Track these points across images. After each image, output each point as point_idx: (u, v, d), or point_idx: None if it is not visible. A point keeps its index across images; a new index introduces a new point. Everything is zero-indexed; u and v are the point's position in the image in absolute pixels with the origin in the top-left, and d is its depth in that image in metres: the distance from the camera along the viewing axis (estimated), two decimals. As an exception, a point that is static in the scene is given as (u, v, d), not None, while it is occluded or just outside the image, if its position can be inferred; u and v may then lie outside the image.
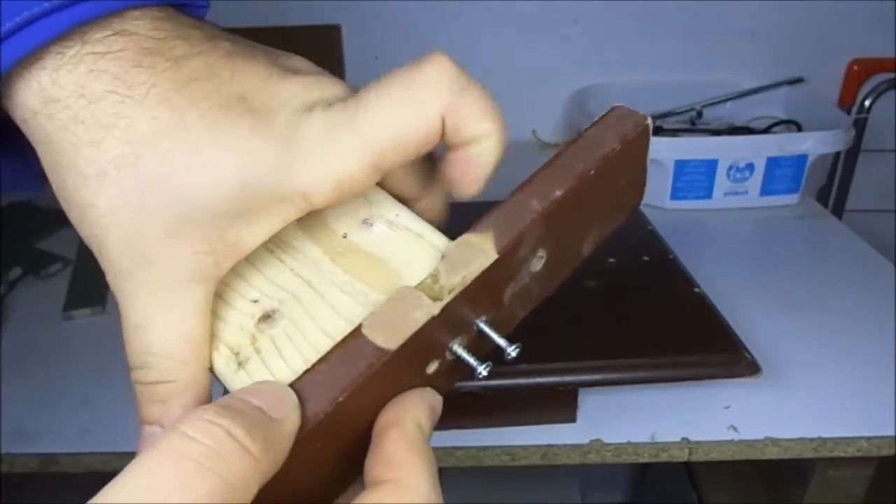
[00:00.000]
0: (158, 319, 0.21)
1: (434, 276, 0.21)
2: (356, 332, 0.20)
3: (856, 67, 1.12)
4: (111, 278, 0.21)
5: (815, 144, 0.92)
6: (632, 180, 0.27)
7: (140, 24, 0.21)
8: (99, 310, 0.74)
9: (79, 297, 0.76)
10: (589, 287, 0.65)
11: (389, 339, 0.20)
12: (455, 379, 0.24)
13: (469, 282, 0.21)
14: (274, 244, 0.24)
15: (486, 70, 1.26)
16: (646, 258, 0.71)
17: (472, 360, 0.22)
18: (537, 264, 0.24)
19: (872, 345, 0.67)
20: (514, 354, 0.23)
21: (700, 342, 0.58)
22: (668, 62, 1.11)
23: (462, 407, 0.56)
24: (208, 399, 0.23)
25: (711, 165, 0.93)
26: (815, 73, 1.11)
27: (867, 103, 1.11)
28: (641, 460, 0.57)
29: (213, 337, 0.23)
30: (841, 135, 0.92)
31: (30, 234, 0.90)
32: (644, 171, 0.28)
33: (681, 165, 0.92)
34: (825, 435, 0.56)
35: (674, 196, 0.94)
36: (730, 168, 0.93)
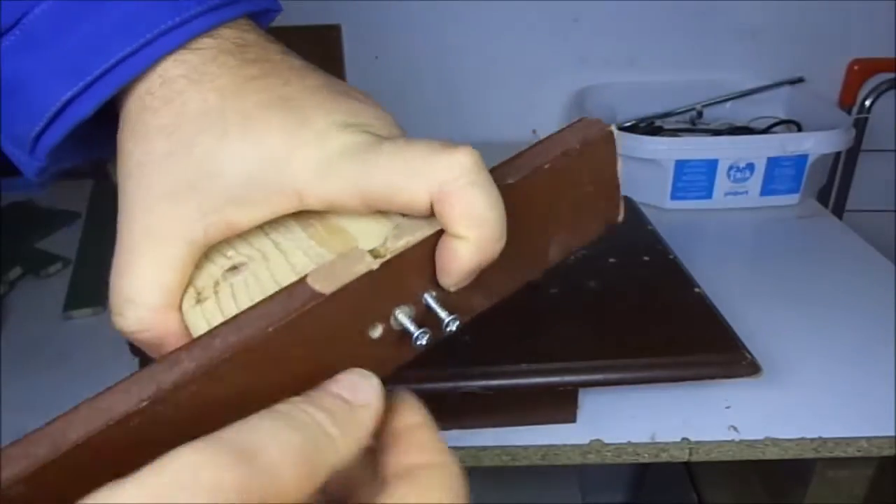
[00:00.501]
0: (139, 265, 0.24)
1: (384, 241, 0.23)
2: (300, 280, 0.21)
3: (856, 67, 1.12)
4: (119, 224, 0.25)
5: (815, 144, 0.92)
6: (600, 189, 0.28)
7: (228, 32, 0.25)
8: (99, 310, 0.74)
9: (79, 297, 0.76)
10: (589, 287, 0.65)
11: (326, 285, 0.21)
12: (403, 354, 0.25)
13: (410, 245, 0.22)
14: None
15: (486, 70, 1.26)
16: (646, 258, 0.71)
17: (410, 326, 0.23)
18: None
19: (872, 345, 0.67)
20: (452, 327, 0.24)
21: (700, 342, 0.58)
22: (668, 62, 1.11)
23: (462, 407, 0.56)
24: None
25: (711, 165, 0.93)
26: (815, 73, 1.11)
27: (867, 103, 1.11)
28: (641, 460, 0.57)
29: (188, 283, 0.25)
30: (841, 135, 0.92)
31: (30, 234, 0.90)
32: (615, 182, 0.28)
33: (681, 165, 0.92)
34: (825, 435, 0.56)
35: (674, 196, 0.94)
36: (730, 168, 0.93)
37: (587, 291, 0.65)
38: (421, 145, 0.22)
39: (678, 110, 1.09)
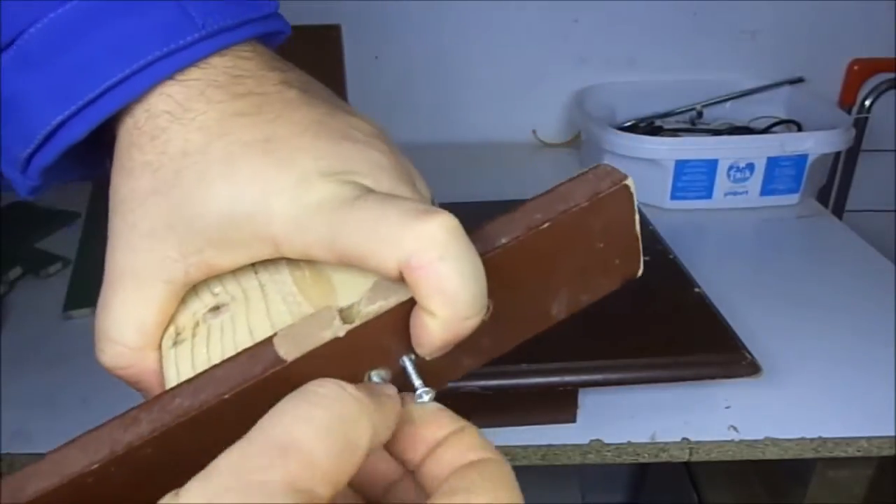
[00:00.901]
0: (120, 304, 0.24)
1: (359, 302, 0.21)
2: (268, 339, 0.21)
3: (856, 67, 1.12)
4: (105, 260, 0.24)
5: (815, 144, 0.92)
6: (614, 244, 0.25)
7: (221, 61, 0.24)
8: (99, 310, 0.74)
9: (79, 297, 0.76)
10: (589, 287, 0.65)
11: (290, 350, 0.20)
12: None
13: (382, 311, 0.21)
14: None
15: (485, 70, 1.26)
16: (646, 258, 0.70)
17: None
18: (484, 314, 0.23)
19: (872, 345, 0.67)
20: (424, 399, 0.22)
21: (700, 342, 0.58)
22: (668, 62, 1.11)
23: (462, 407, 0.56)
24: (161, 387, 0.24)
25: (711, 165, 0.93)
26: (815, 73, 1.11)
27: (867, 103, 1.11)
28: (641, 460, 0.57)
29: (171, 318, 0.24)
30: (841, 135, 0.92)
31: (30, 234, 0.90)
32: (632, 236, 0.26)
33: (681, 165, 0.92)
34: (825, 435, 0.56)
35: (674, 196, 0.94)
36: (730, 168, 0.93)
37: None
38: (397, 209, 0.21)
39: (678, 110, 1.09)
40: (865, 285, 0.77)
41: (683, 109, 1.09)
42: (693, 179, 0.94)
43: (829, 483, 0.66)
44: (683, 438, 0.56)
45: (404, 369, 0.22)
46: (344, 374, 0.21)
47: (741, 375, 0.56)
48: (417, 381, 0.22)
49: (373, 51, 1.09)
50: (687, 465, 1.02)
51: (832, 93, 1.14)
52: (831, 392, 0.61)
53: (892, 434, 0.56)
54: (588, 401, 0.59)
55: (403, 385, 0.22)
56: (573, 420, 0.58)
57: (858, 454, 0.57)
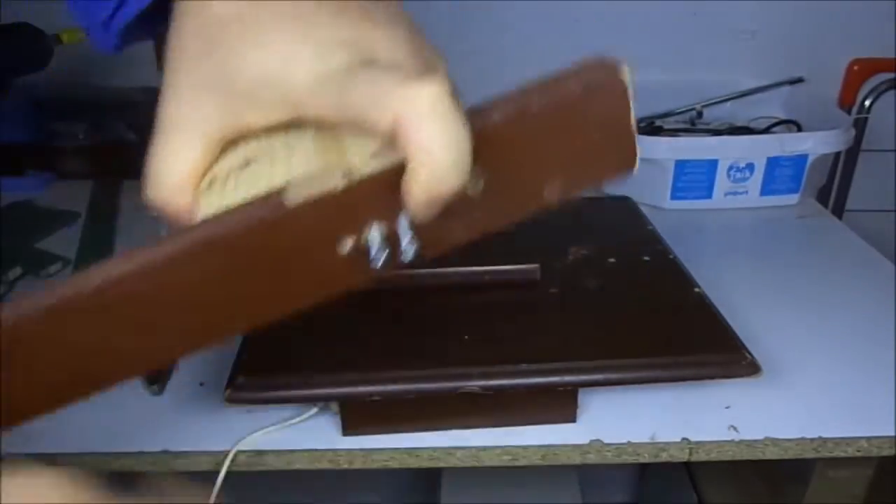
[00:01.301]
0: (166, 150, 0.27)
1: (361, 161, 0.24)
2: (278, 189, 0.23)
3: (856, 67, 1.12)
4: (158, 112, 0.27)
5: (815, 144, 0.92)
6: (609, 136, 0.26)
7: None
8: (99, 310, 0.74)
9: (79, 297, 0.76)
10: (589, 287, 0.65)
11: (294, 197, 0.23)
12: (367, 274, 0.26)
13: (377, 171, 0.23)
14: None
15: (485, 70, 1.26)
16: (646, 258, 0.71)
17: (374, 244, 0.25)
18: (474, 185, 0.25)
19: (872, 345, 0.67)
20: (408, 253, 0.25)
21: (700, 342, 0.58)
22: (668, 62, 1.11)
23: (462, 407, 0.56)
24: None
25: (711, 165, 0.93)
26: (815, 73, 1.11)
27: (867, 103, 1.11)
28: (641, 460, 0.57)
29: (208, 168, 0.27)
30: (841, 135, 0.92)
31: (30, 234, 0.90)
32: (628, 130, 0.26)
33: (681, 165, 0.92)
34: (825, 435, 0.56)
35: (674, 196, 0.94)
36: (730, 168, 0.93)
37: (587, 291, 0.65)
38: (394, 75, 0.23)
39: (678, 110, 1.09)
40: (865, 285, 0.77)
41: (683, 109, 1.09)
42: (693, 179, 0.94)
43: (829, 483, 0.66)
44: (683, 438, 0.56)
45: (397, 227, 0.25)
46: (343, 227, 0.24)
47: (741, 375, 0.56)
48: (405, 237, 0.25)
49: (373, 51, 1.09)
50: (687, 465, 1.02)
51: (832, 93, 1.14)
52: (831, 392, 0.61)
53: (892, 434, 0.56)
54: (588, 401, 0.59)
55: (397, 243, 0.25)
56: (573, 420, 0.58)
57: (858, 454, 0.57)
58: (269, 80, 0.25)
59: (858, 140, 1.11)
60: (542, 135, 0.25)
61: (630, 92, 0.25)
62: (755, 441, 0.56)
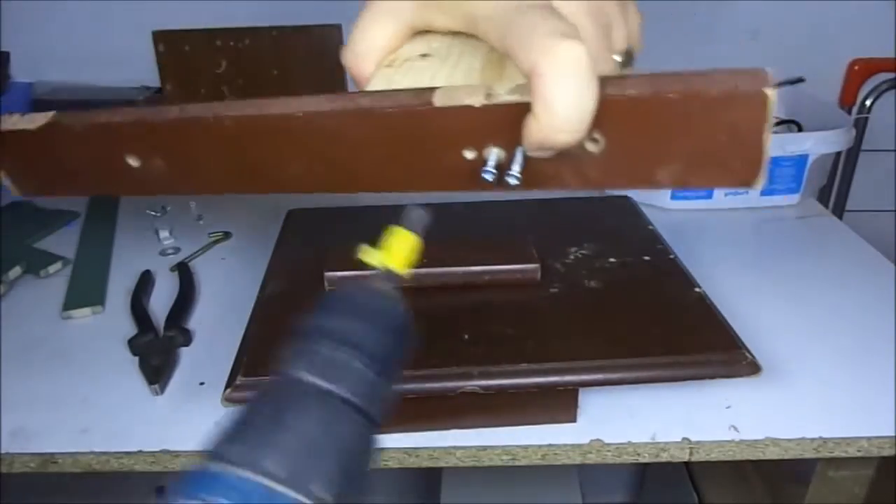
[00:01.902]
0: (365, 23, 0.32)
1: (510, 90, 0.26)
2: (432, 89, 0.27)
3: (856, 67, 1.12)
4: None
5: (815, 144, 0.92)
6: (736, 145, 0.27)
7: None
8: (98, 309, 0.74)
9: (78, 296, 0.76)
10: (589, 287, 0.65)
11: (439, 99, 0.27)
12: (481, 184, 0.29)
13: (515, 102, 0.26)
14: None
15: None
16: (646, 258, 0.71)
17: (490, 162, 0.28)
18: (593, 146, 0.27)
19: (872, 345, 0.67)
20: (513, 180, 0.28)
21: (700, 342, 0.58)
22: (668, 62, 1.11)
23: (462, 407, 0.56)
24: None
25: (711, 165, 0.93)
26: (815, 73, 1.11)
27: (867, 103, 1.11)
28: (641, 460, 0.57)
29: (394, 50, 0.33)
30: (841, 135, 0.92)
31: (30, 234, 0.90)
32: (757, 146, 0.26)
33: (681, 165, 0.92)
34: (825, 435, 0.56)
35: (674, 196, 0.94)
36: (730, 168, 0.93)
37: (587, 291, 0.65)
38: (548, 26, 0.26)
39: (678, 110, 1.09)
40: (865, 285, 0.77)
41: (683, 109, 1.08)
42: (693, 179, 0.94)
43: (829, 483, 0.66)
44: (683, 438, 0.56)
45: (513, 155, 0.28)
46: (469, 139, 0.28)
47: (741, 375, 0.56)
48: (515, 166, 0.28)
49: (373, 51, 1.09)
50: (687, 465, 1.02)
51: (832, 93, 1.14)
52: (831, 392, 0.61)
53: (892, 434, 0.56)
54: (588, 401, 0.59)
55: (508, 168, 0.28)
56: (573, 420, 0.58)
57: (858, 454, 0.57)
58: None
59: (858, 140, 1.11)
60: (670, 121, 0.26)
61: (770, 109, 0.25)
62: (755, 441, 0.56)
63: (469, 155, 0.28)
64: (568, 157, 0.27)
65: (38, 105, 1.05)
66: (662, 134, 0.27)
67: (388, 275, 0.31)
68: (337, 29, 1.07)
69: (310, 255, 0.70)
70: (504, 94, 0.26)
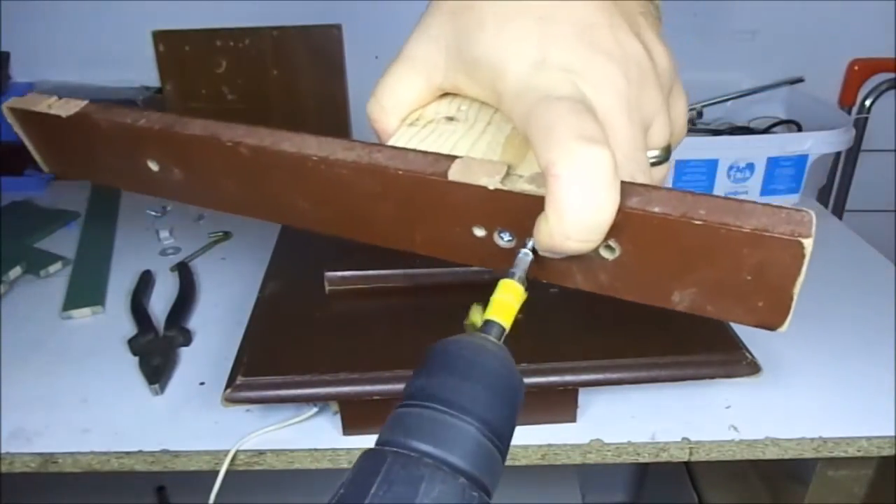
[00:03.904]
0: (393, 77, 0.31)
1: (521, 176, 0.25)
2: (450, 157, 0.26)
3: (856, 67, 1.12)
4: (403, 44, 0.31)
5: (815, 144, 0.92)
6: (764, 286, 0.24)
7: None
8: (98, 310, 0.74)
9: (78, 296, 0.76)
10: (589, 287, 0.65)
11: (453, 173, 0.26)
12: (494, 261, 0.28)
13: (526, 193, 0.25)
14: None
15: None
16: (646, 258, 0.71)
17: (500, 241, 0.27)
18: (607, 253, 0.26)
19: (872, 345, 0.67)
20: (526, 256, 0.26)
21: (700, 342, 0.58)
22: (668, 62, 1.11)
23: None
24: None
25: (711, 165, 0.93)
26: (815, 73, 1.11)
27: (867, 103, 1.11)
28: (641, 460, 0.57)
29: (420, 108, 0.32)
30: (841, 135, 0.92)
31: (30, 234, 0.90)
32: (788, 292, 0.24)
33: (681, 165, 0.92)
34: (825, 435, 0.56)
35: (674, 196, 0.94)
36: (730, 168, 0.93)
37: (587, 291, 0.65)
38: (570, 126, 0.24)
39: (678, 110, 1.08)
40: (865, 285, 0.77)
41: (683, 109, 1.08)
42: (693, 179, 0.94)
43: (829, 483, 0.66)
44: (683, 438, 0.56)
45: (524, 245, 0.27)
46: (482, 220, 0.27)
47: (741, 375, 0.56)
48: (527, 258, 0.26)
49: (373, 51, 1.09)
50: (687, 465, 1.02)
51: (832, 93, 1.14)
52: (831, 392, 0.61)
53: (892, 434, 0.56)
54: (588, 401, 0.59)
55: (518, 253, 0.27)
56: (573, 420, 0.58)
57: (858, 454, 0.57)
58: (487, 65, 0.28)
59: (858, 140, 1.11)
60: (693, 246, 0.24)
61: (805, 262, 0.23)
62: (755, 441, 0.56)
63: (479, 233, 0.27)
64: (580, 258, 0.26)
65: (38, 105, 1.05)
66: (683, 258, 0.25)
67: (500, 331, 0.29)
68: (337, 29, 1.07)
69: (310, 255, 0.70)
70: (521, 182, 0.25)
